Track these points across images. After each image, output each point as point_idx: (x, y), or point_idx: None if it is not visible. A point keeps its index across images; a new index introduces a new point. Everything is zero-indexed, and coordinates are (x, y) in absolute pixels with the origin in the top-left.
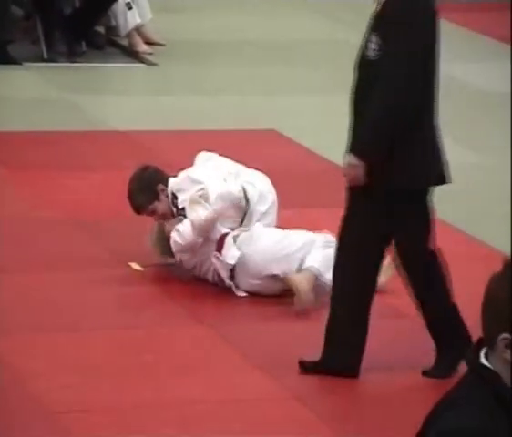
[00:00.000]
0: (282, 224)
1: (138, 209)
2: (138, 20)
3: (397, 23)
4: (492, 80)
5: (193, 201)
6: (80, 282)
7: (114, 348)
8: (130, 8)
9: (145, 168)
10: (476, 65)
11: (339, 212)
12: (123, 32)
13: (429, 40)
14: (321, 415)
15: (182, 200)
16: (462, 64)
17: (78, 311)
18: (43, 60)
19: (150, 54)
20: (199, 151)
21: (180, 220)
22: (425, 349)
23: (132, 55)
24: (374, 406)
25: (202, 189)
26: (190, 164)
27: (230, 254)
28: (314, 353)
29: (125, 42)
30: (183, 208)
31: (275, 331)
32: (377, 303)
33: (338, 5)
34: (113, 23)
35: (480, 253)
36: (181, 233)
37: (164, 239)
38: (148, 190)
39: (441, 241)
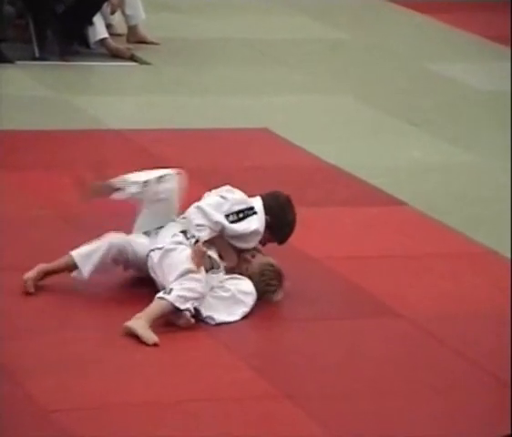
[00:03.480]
0: None
1: None
2: (100, 36)
3: None
4: (487, 79)
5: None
6: (76, 282)
7: (106, 346)
8: (90, 24)
9: None
10: (471, 65)
11: (331, 211)
12: (92, 45)
13: None
14: (312, 414)
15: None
16: (458, 64)
17: (71, 310)
18: (35, 59)
19: (132, 57)
20: (193, 149)
21: None
22: (424, 351)
23: (118, 57)
24: (370, 405)
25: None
26: (184, 161)
27: None
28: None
29: (119, 42)
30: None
31: (267, 330)
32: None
33: (330, 7)
34: (107, 21)
35: (475, 253)
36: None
37: None
38: None
39: (437, 242)
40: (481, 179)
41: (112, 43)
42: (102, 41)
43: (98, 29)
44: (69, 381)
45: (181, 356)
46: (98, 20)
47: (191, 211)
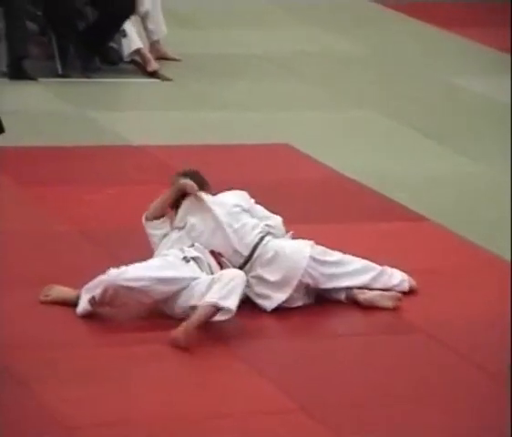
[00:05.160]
0: (295, 237)
1: None
2: (135, 46)
3: None
4: (504, 92)
5: None
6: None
7: (128, 361)
8: (124, 36)
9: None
10: (482, 76)
11: (351, 226)
12: (123, 56)
13: None
14: (330, 427)
15: None
16: (468, 75)
17: (92, 324)
18: (57, 75)
19: (155, 73)
20: (214, 164)
21: None
22: (438, 364)
23: (143, 71)
24: (388, 417)
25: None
26: (205, 176)
27: None
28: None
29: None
30: None
31: (286, 344)
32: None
33: (345, 19)
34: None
35: (496, 265)
36: None
37: None
38: None
39: (444, 250)
40: (500, 193)
41: (147, 53)
42: (137, 51)
43: (133, 39)
44: (91, 395)
45: (203, 372)
46: (132, 31)
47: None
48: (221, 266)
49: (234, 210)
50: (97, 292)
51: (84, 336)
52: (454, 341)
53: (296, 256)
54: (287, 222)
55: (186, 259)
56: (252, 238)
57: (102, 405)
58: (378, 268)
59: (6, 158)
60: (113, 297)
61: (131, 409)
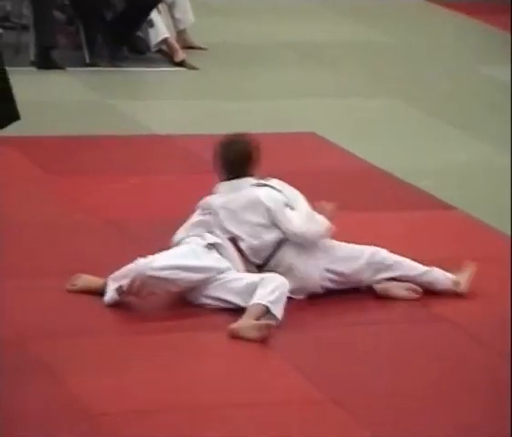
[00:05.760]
0: None
1: None
2: (162, 36)
3: None
4: None
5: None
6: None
7: (154, 349)
8: (151, 26)
9: None
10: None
11: (379, 215)
12: (152, 47)
13: None
14: (359, 418)
15: None
16: (503, 66)
17: (118, 313)
18: (85, 65)
19: (182, 63)
20: None
21: None
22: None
23: (170, 60)
24: (417, 408)
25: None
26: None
27: None
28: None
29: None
30: None
31: (314, 334)
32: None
33: (373, 8)
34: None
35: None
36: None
37: None
38: None
39: (472, 240)
40: None
41: (174, 43)
42: (164, 40)
43: (160, 29)
44: (118, 383)
45: (229, 360)
46: (159, 20)
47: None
48: (241, 254)
49: (257, 229)
50: (125, 282)
51: (110, 324)
52: (480, 331)
53: (310, 270)
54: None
55: (208, 247)
56: (269, 250)
57: (129, 393)
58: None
59: (33, 147)
60: (140, 287)
61: (158, 397)
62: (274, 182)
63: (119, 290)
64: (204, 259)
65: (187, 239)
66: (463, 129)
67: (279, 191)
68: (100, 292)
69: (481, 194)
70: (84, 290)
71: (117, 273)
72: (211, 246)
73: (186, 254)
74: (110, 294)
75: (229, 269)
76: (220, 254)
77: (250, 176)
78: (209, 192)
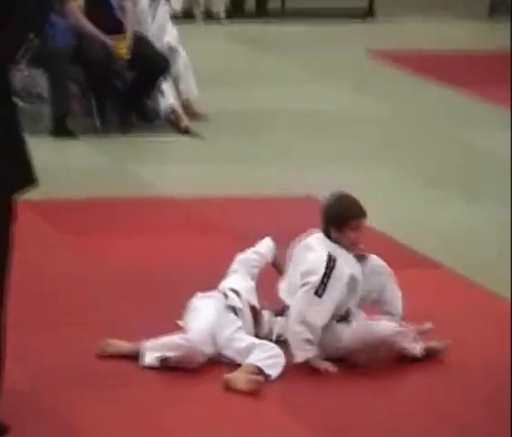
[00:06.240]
0: None
1: None
2: (171, 101)
3: None
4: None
5: None
6: (131, 333)
7: (164, 403)
8: (163, 95)
9: None
10: (500, 134)
11: None
12: (161, 114)
13: None
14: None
15: None
16: (482, 132)
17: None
18: (97, 132)
19: (187, 130)
20: (241, 217)
21: None
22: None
23: (176, 128)
24: None
25: None
26: (231, 227)
27: None
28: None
29: (171, 118)
30: None
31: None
32: None
33: (367, 78)
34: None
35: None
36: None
37: None
38: None
39: (457, 296)
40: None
41: (180, 112)
42: (172, 109)
43: (169, 98)
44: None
45: (239, 414)
46: (168, 90)
47: None
48: (256, 323)
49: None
50: (172, 355)
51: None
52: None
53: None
54: None
55: (229, 307)
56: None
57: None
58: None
59: (50, 209)
60: (191, 360)
61: None
62: None
63: (163, 361)
64: (225, 326)
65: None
66: (447, 191)
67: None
68: (131, 356)
69: (466, 251)
70: (114, 355)
71: (156, 343)
72: (231, 308)
73: (215, 324)
74: (149, 361)
75: (239, 329)
76: (237, 315)
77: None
78: (211, 250)
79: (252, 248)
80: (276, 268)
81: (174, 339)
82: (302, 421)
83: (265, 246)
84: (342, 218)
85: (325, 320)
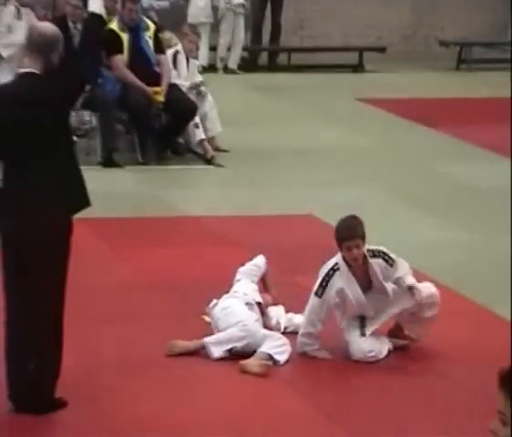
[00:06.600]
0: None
1: None
2: (203, 136)
3: None
4: (479, 178)
5: None
6: (168, 333)
7: (190, 405)
8: (197, 127)
9: None
10: (466, 165)
11: None
12: (193, 144)
13: None
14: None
15: None
16: (459, 166)
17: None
18: (138, 164)
19: (213, 159)
20: (255, 232)
21: None
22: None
23: (203, 159)
24: None
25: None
26: (247, 241)
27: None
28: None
29: (199, 150)
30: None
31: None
32: None
33: (357, 118)
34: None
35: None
36: None
37: None
38: None
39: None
40: (485, 256)
41: (208, 144)
42: (201, 142)
43: (199, 132)
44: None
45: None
46: (198, 127)
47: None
48: (263, 316)
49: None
50: (239, 345)
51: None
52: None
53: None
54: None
55: (248, 305)
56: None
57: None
58: None
59: (101, 228)
60: (252, 347)
61: (191, 416)
62: None
63: (230, 352)
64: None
65: (240, 288)
66: (426, 212)
67: None
68: (193, 352)
69: (441, 265)
70: (182, 354)
71: (219, 338)
72: (248, 304)
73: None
74: (218, 354)
75: (257, 321)
76: (252, 311)
77: None
78: (229, 261)
79: (251, 262)
80: (264, 282)
81: (234, 332)
82: (307, 399)
83: (259, 260)
84: (337, 241)
85: (321, 316)
